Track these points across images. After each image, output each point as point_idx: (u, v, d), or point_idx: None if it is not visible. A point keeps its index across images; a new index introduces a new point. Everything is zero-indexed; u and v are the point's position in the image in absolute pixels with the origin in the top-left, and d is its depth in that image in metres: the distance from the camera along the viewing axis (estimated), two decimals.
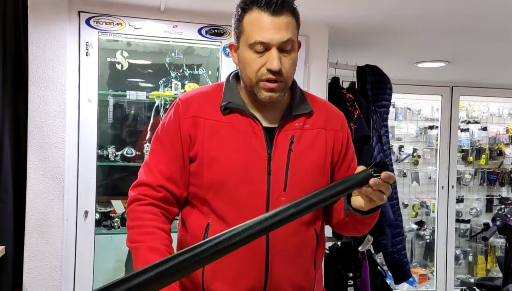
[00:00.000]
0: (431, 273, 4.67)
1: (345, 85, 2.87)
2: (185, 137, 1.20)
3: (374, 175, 1.00)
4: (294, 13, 1.16)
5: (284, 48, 1.14)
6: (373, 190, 1.02)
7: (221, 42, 2.41)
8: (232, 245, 0.87)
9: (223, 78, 2.41)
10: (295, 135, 1.21)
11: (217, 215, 1.18)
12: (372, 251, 2.81)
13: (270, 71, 1.13)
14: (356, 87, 2.80)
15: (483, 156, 4.96)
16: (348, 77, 2.89)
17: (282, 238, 1.17)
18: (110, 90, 2.77)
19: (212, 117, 1.20)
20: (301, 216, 0.96)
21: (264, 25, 1.12)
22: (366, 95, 2.71)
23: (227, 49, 2.39)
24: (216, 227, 1.16)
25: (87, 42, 2.24)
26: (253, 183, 1.17)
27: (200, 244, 0.85)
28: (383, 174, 1.00)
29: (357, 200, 1.09)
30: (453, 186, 4.48)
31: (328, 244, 2.82)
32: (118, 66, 2.68)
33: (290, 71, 1.17)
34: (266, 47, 1.13)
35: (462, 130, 4.95)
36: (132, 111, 2.96)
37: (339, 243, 2.80)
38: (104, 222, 2.65)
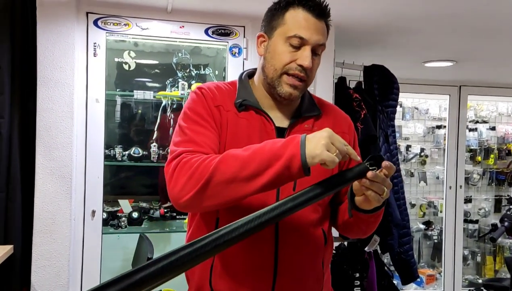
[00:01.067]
0: (439, 273, 4.64)
1: (352, 85, 2.86)
2: (217, 120, 1.19)
3: (370, 167, 1.00)
4: (328, 25, 1.22)
5: (317, 51, 1.18)
6: (371, 182, 1.01)
7: (227, 42, 2.42)
8: (231, 239, 0.88)
9: (229, 78, 2.44)
10: None
11: (226, 212, 1.18)
12: (379, 252, 2.80)
13: (301, 67, 1.16)
14: (363, 87, 2.79)
15: (492, 155, 4.92)
16: (354, 77, 2.88)
17: (290, 238, 1.18)
18: (118, 90, 2.79)
19: (232, 110, 1.21)
20: (299, 209, 0.97)
21: (308, 24, 1.16)
22: (373, 95, 2.70)
23: (234, 49, 2.43)
24: (225, 223, 1.16)
25: (95, 43, 2.26)
26: None
27: (200, 238, 0.86)
28: (384, 163, 1.01)
29: (361, 200, 1.09)
30: (461, 186, 4.45)
31: (334, 244, 2.80)
32: (126, 67, 2.70)
33: (314, 74, 1.22)
34: (303, 43, 1.16)
35: (470, 130, 4.92)
36: (139, 111, 2.98)
37: (345, 243, 2.79)
38: (111, 221, 2.67)
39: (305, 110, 1.26)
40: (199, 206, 1.07)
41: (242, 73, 1.31)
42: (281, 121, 1.24)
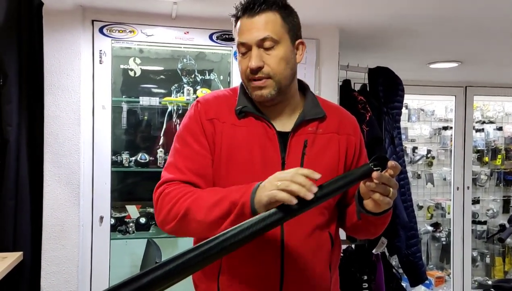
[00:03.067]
0: (448, 275, 4.61)
1: (357, 87, 2.86)
2: (209, 135, 1.21)
3: (374, 168, 1.00)
4: (279, 12, 1.19)
5: (264, 46, 1.16)
6: (376, 184, 1.02)
7: (232, 47, 2.43)
8: (238, 241, 0.89)
9: (234, 83, 2.45)
10: (308, 139, 1.23)
11: None
12: (387, 254, 2.79)
13: (250, 69, 1.17)
14: (368, 89, 2.79)
15: (499, 156, 4.89)
16: (359, 79, 2.88)
17: (296, 242, 1.18)
18: (124, 96, 2.81)
19: (229, 121, 1.22)
20: (305, 211, 0.98)
21: (244, 27, 1.17)
22: (378, 97, 2.70)
23: None
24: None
25: (100, 50, 2.28)
26: None
27: (206, 241, 0.87)
28: (390, 163, 1.01)
29: (369, 203, 1.09)
30: (468, 187, 4.42)
31: (342, 247, 2.80)
32: (131, 73, 2.72)
33: (276, 68, 1.18)
34: (247, 48, 1.17)
35: (477, 130, 4.89)
36: (146, 117, 3.00)
37: (353, 246, 2.79)
38: (119, 227, 2.68)
39: (308, 113, 1.26)
40: (182, 234, 1.23)
41: None
42: (284, 125, 1.24)
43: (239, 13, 1.19)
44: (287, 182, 0.98)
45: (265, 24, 1.16)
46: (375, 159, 1.02)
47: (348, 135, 1.29)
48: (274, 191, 0.98)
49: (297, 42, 1.23)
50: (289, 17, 1.21)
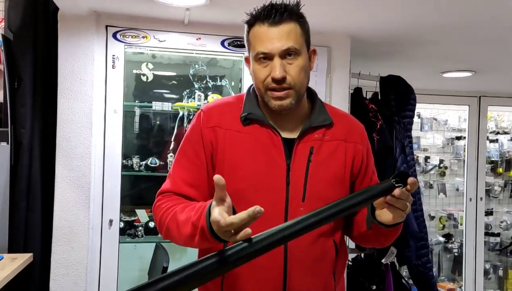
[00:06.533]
0: (460, 287, 4.54)
1: (368, 96, 2.85)
2: (208, 145, 1.21)
3: (396, 185, 1.01)
4: (299, 21, 1.18)
5: (287, 56, 1.16)
6: (397, 199, 1.04)
7: (243, 53, 2.42)
8: (254, 252, 0.89)
9: (245, 89, 2.45)
10: (314, 146, 1.22)
11: None
12: (396, 264, 2.76)
13: (273, 80, 1.15)
14: (379, 97, 2.78)
15: None
16: (371, 87, 2.87)
17: (300, 249, 1.18)
18: (136, 101, 2.84)
19: (233, 128, 1.22)
20: (322, 225, 0.98)
21: (266, 36, 1.15)
22: (389, 106, 2.69)
23: None
24: None
25: (113, 55, 2.31)
26: (272, 193, 1.18)
27: (224, 250, 0.87)
28: (410, 179, 1.02)
29: (384, 214, 1.09)
30: (481, 198, 4.36)
31: (351, 256, 2.78)
32: (143, 78, 2.74)
33: (298, 77, 1.17)
34: (269, 57, 1.15)
35: (491, 141, 4.83)
36: (157, 122, 3.02)
37: (362, 255, 2.76)
38: (128, 230, 2.70)
39: (316, 120, 1.25)
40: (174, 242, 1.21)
41: (250, 86, 1.32)
42: (290, 132, 1.23)
43: (256, 20, 1.17)
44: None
45: (288, 34, 1.15)
46: (397, 175, 1.03)
47: (356, 144, 1.28)
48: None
49: (310, 50, 1.23)
50: (306, 26, 1.21)
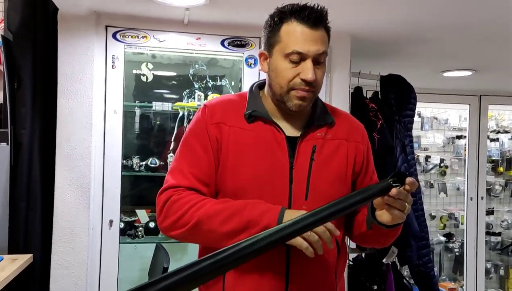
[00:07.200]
0: (461, 287, 4.53)
1: (369, 95, 2.84)
2: (214, 140, 1.21)
3: (394, 184, 1.01)
4: (327, 28, 1.20)
5: (318, 60, 1.16)
6: (395, 199, 1.03)
7: (243, 53, 2.44)
8: (253, 251, 0.89)
9: (245, 88, 2.45)
10: (317, 145, 1.22)
11: None
12: (398, 264, 2.76)
13: (304, 81, 1.15)
14: (379, 97, 2.77)
15: None
16: (371, 86, 2.86)
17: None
18: (137, 101, 2.83)
19: (236, 125, 1.22)
20: (320, 224, 0.97)
21: (303, 37, 1.14)
22: (389, 105, 2.68)
23: (250, 60, 2.45)
24: None
25: (113, 55, 2.30)
26: (275, 191, 1.18)
27: (223, 250, 0.87)
28: (408, 179, 1.01)
29: (384, 214, 1.09)
30: (482, 197, 4.35)
31: (352, 256, 2.78)
32: (143, 78, 2.74)
33: (321, 83, 1.20)
34: (302, 57, 1.15)
35: (492, 140, 4.82)
36: (158, 122, 3.02)
37: (363, 255, 2.76)
38: (128, 231, 2.69)
39: (318, 119, 1.25)
40: (184, 241, 1.24)
41: (252, 85, 1.32)
42: (293, 130, 1.24)
43: (292, 17, 1.15)
44: (316, 238, 1.02)
45: (322, 39, 1.16)
46: (394, 175, 1.03)
47: (357, 143, 1.29)
48: (300, 239, 1.02)
49: None
50: (330, 35, 1.22)
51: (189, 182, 1.18)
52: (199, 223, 1.10)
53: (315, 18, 1.14)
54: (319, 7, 1.17)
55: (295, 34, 1.15)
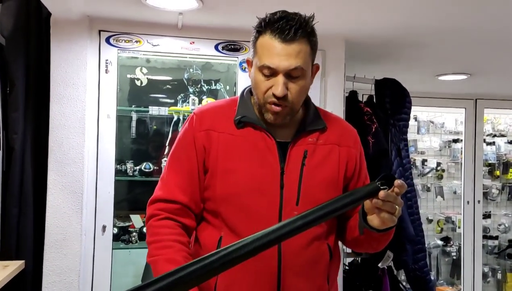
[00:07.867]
0: None
1: (364, 99, 2.84)
2: (200, 149, 1.21)
3: (381, 187, 0.99)
4: (310, 40, 1.14)
5: (292, 74, 1.13)
6: (383, 202, 1.01)
7: (237, 57, 2.43)
8: (241, 256, 0.88)
9: (239, 93, 2.44)
10: (308, 150, 1.22)
11: (229, 228, 1.19)
12: (393, 268, 2.74)
13: (274, 96, 1.14)
14: (374, 100, 2.77)
15: (511, 170, 4.82)
16: (366, 90, 2.86)
17: (294, 252, 1.17)
18: (133, 106, 2.82)
19: (226, 131, 1.21)
20: (309, 227, 0.96)
21: (274, 51, 1.11)
22: (384, 109, 2.68)
23: (244, 64, 2.45)
24: (228, 240, 1.15)
25: (106, 60, 2.29)
26: (266, 196, 1.17)
27: (209, 254, 0.86)
28: (396, 181, 1.00)
29: (375, 219, 1.08)
30: (479, 201, 4.35)
31: (347, 260, 2.76)
32: (138, 83, 2.73)
33: (297, 97, 1.17)
34: (273, 72, 1.13)
35: (488, 143, 4.83)
36: (153, 127, 3.01)
37: (359, 259, 2.74)
38: (122, 236, 2.67)
39: (309, 124, 1.25)
40: None
41: (244, 90, 1.31)
42: (284, 136, 1.23)
43: (267, 29, 1.12)
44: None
45: (297, 53, 1.11)
46: (382, 177, 1.01)
47: (349, 148, 1.28)
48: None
49: (313, 66, 1.21)
50: (315, 44, 1.17)
51: (170, 193, 1.21)
52: (151, 262, 1.17)
53: (290, 32, 1.09)
54: (299, 18, 1.12)
55: (267, 48, 1.12)
